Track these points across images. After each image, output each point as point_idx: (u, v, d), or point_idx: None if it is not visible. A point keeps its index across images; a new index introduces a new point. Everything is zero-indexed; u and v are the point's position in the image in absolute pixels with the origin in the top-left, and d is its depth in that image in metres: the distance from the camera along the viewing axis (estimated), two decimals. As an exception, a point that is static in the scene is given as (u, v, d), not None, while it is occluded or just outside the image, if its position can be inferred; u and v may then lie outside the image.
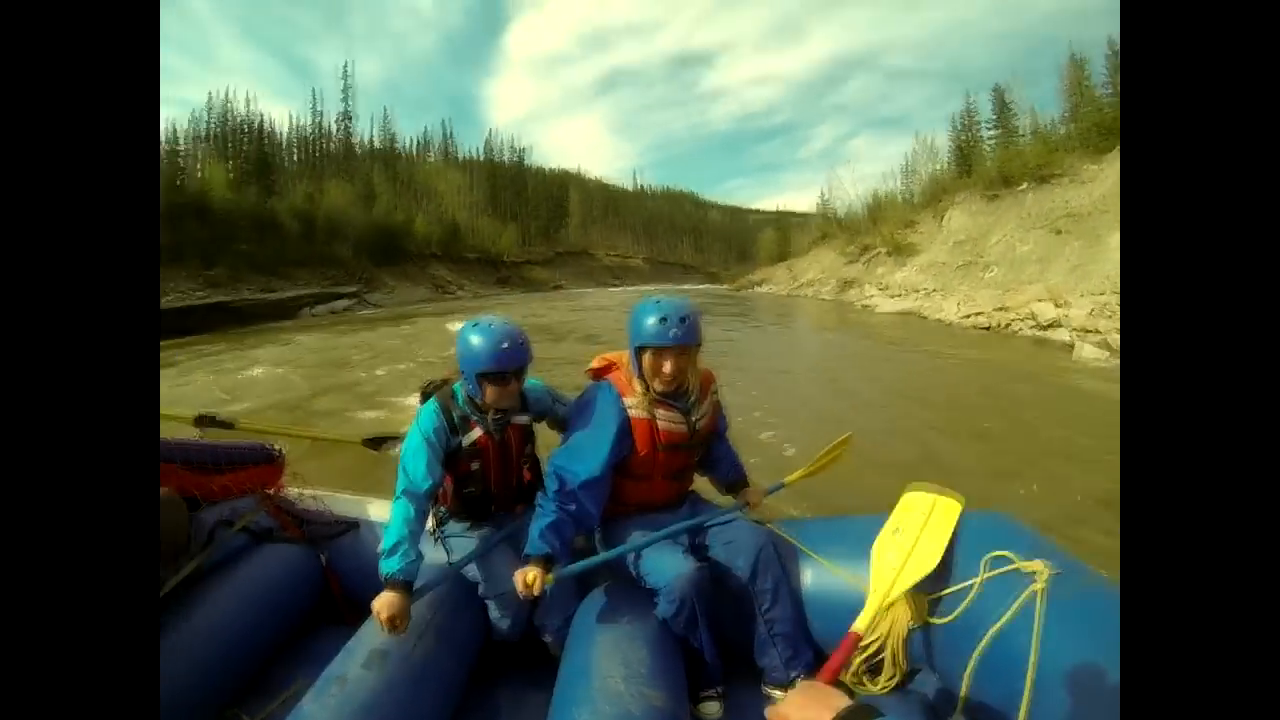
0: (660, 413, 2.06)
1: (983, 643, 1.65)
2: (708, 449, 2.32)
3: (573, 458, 1.99)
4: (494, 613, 2.12)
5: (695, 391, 2.13)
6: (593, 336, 17.25)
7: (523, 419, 2.24)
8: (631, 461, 2.08)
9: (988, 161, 32.99)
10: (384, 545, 1.90)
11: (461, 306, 36.07)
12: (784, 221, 79.74)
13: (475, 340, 2.01)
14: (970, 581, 1.81)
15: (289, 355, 15.00)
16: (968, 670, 1.67)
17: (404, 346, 16.10)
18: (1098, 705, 1.33)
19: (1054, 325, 14.94)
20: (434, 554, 2.19)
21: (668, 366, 1.97)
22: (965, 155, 39.11)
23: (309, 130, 62.25)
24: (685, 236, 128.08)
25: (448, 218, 62.83)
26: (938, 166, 41.74)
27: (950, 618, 1.81)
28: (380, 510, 2.58)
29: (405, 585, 1.86)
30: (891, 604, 1.88)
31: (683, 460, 2.19)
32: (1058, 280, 18.71)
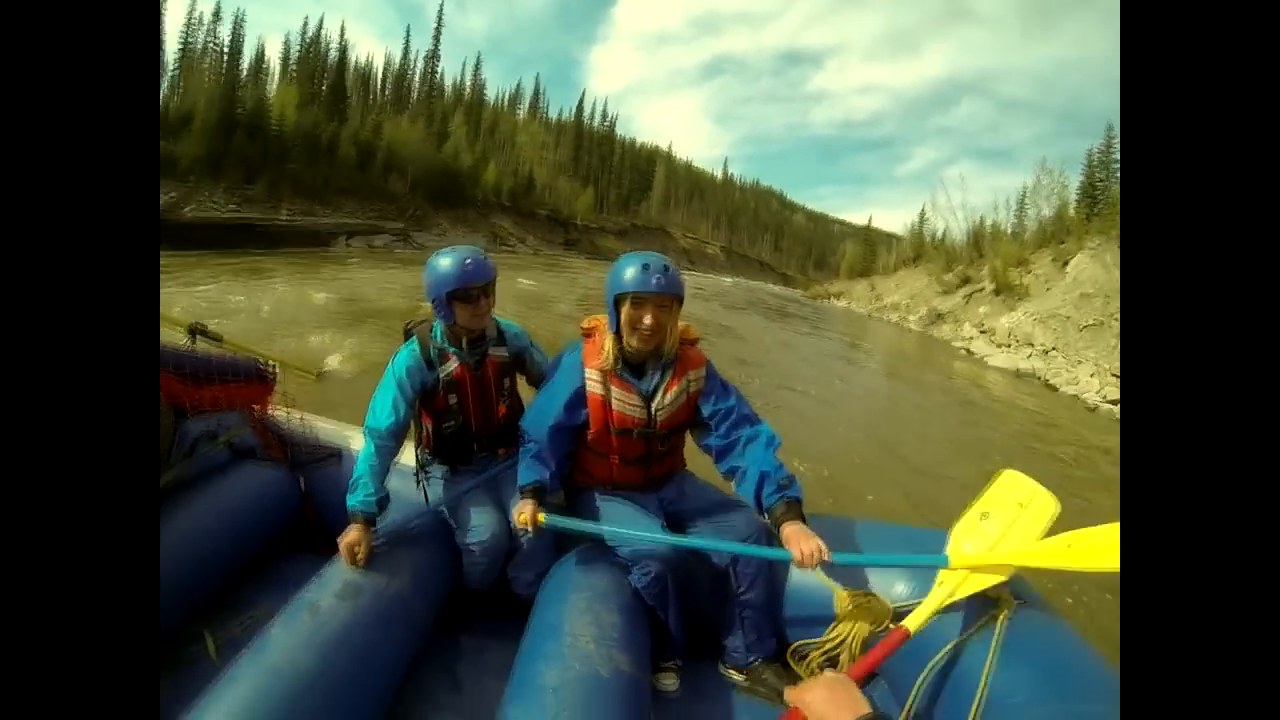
0: (616, 390, 1.98)
1: (936, 659, 1.63)
2: (712, 441, 2.06)
3: (533, 414, 2.07)
4: (468, 560, 2.09)
5: (667, 368, 2.01)
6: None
7: (500, 352, 2.22)
8: (587, 434, 2.04)
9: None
10: (351, 479, 1.96)
11: (526, 262, 33.69)
12: (871, 236, 75.08)
13: (442, 262, 2.02)
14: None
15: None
16: (918, 683, 1.64)
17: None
18: None
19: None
20: (417, 495, 2.21)
21: (647, 318, 1.87)
22: (1094, 197, 33.80)
23: (397, 68, 59.69)
24: (766, 234, 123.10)
25: (524, 170, 60.08)
26: (1063, 204, 36.28)
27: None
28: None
29: (365, 519, 1.90)
30: (858, 607, 1.86)
31: (639, 449, 2.05)
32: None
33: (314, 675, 1.53)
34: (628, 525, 1.94)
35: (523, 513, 1.88)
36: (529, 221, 55.32)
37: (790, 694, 1.02)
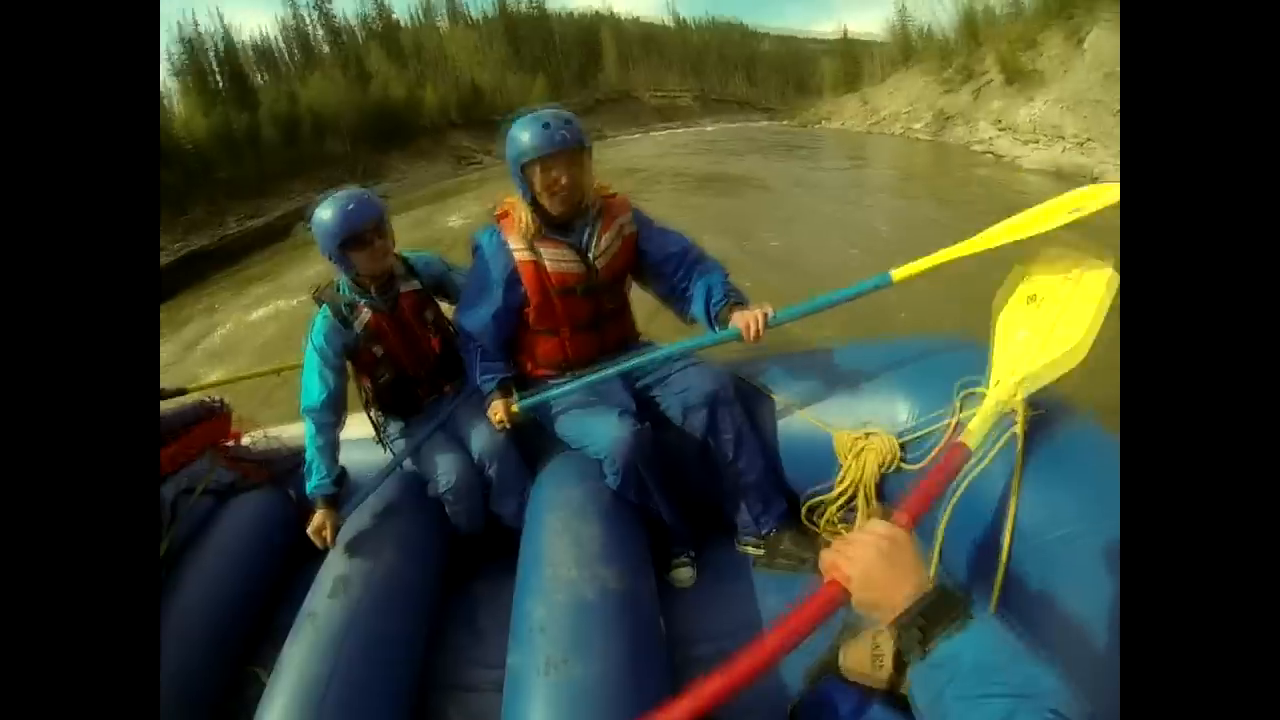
0: (547, 250, 1.89)
1: (957, 493, 1.49)
2: (670, 286, 2.01)
3: (466, 309, 2.00)
4: (449, 508, 2.08)
5: (595, 219, 1.94)
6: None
7: (412, 284, 2.14)
8: (531, 313, 1.96)
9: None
10: (304, 466, 1.96)
11: (498, 173, 31.61)
12: (850, 46, 69.19)
13: (324, 214, 1.93)
14: (943, 422, 1.65)
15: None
16: (943, 521, 1.52)
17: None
18: (1080, 565, 1.20)
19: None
20: (381, 463, 2.15)
21: (563, 177, 1.79)
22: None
23: (291, 25, 53.80)
24: (737, 70, 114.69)
25: (466, 81, 55.94)
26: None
27: (923, 463, 1.67)
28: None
29: (326, 501, 1.92)
30: (861, 449, 1.77)
31: (589, 308, 1.98)
32: None
33: (328, 680, 1.54)
34: (594, 396, 1.90)
35: (496, 413, 1.93)
36: (487, 130, 51.90)
37: (825, 560, 0.78)
